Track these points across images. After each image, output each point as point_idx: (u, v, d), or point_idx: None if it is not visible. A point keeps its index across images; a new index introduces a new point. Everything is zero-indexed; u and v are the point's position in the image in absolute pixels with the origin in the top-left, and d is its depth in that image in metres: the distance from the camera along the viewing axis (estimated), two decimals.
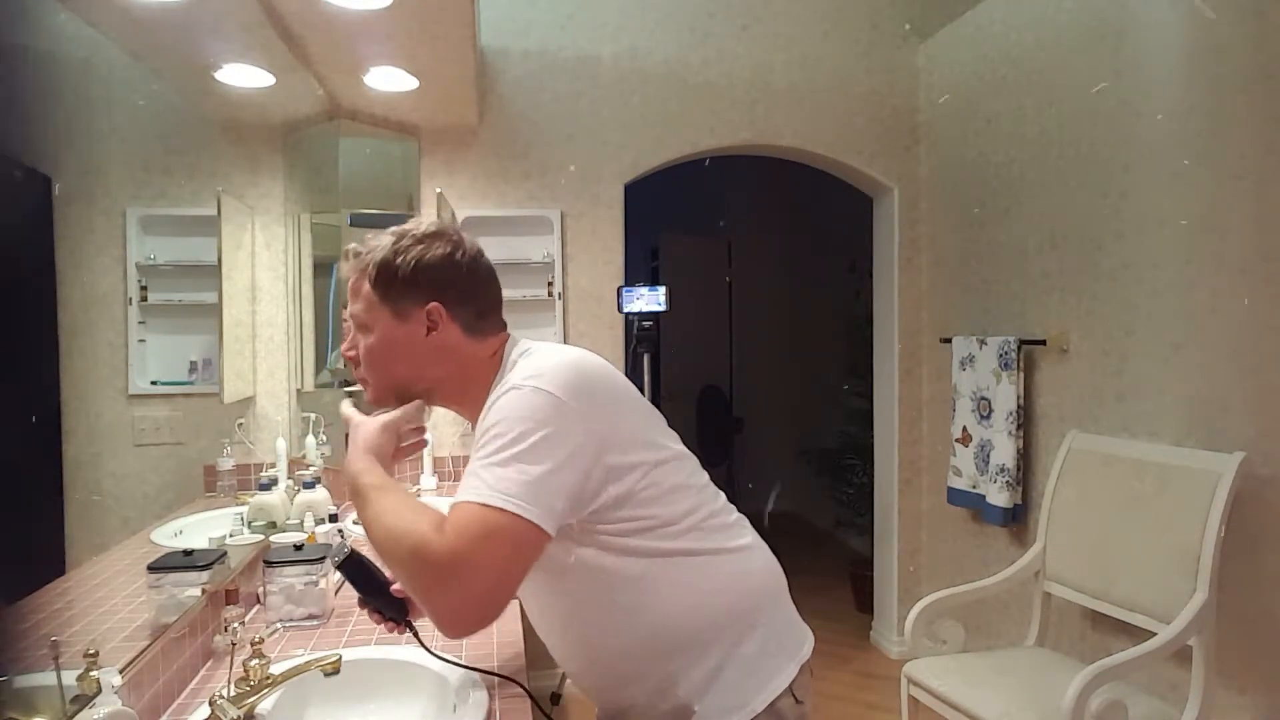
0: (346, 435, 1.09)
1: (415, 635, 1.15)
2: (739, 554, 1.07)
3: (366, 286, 1.04)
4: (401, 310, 1.03)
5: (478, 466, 0.91)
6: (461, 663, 1.22)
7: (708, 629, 1.01)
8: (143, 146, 1.32)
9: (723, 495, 1.13)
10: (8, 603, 0.89)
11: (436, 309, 1.03)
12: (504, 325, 1.11)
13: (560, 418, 0.92)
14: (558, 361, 0.98)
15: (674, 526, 1.00)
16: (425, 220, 1.09)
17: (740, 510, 1.13)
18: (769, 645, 1.04)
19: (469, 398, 1.06)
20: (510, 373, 1.00)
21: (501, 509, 0.86)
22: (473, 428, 1.08)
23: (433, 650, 1.19)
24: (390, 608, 1.14)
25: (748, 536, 1.11)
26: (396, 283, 1.03)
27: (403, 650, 1.30)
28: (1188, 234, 2.07)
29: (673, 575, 1.00)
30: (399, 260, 1.03)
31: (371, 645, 1.37)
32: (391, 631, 1.17)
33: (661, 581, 1.00)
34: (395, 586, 1.14)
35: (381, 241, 1.05)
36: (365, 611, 1.16)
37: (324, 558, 1.51)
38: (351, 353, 1.07)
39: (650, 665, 1.01)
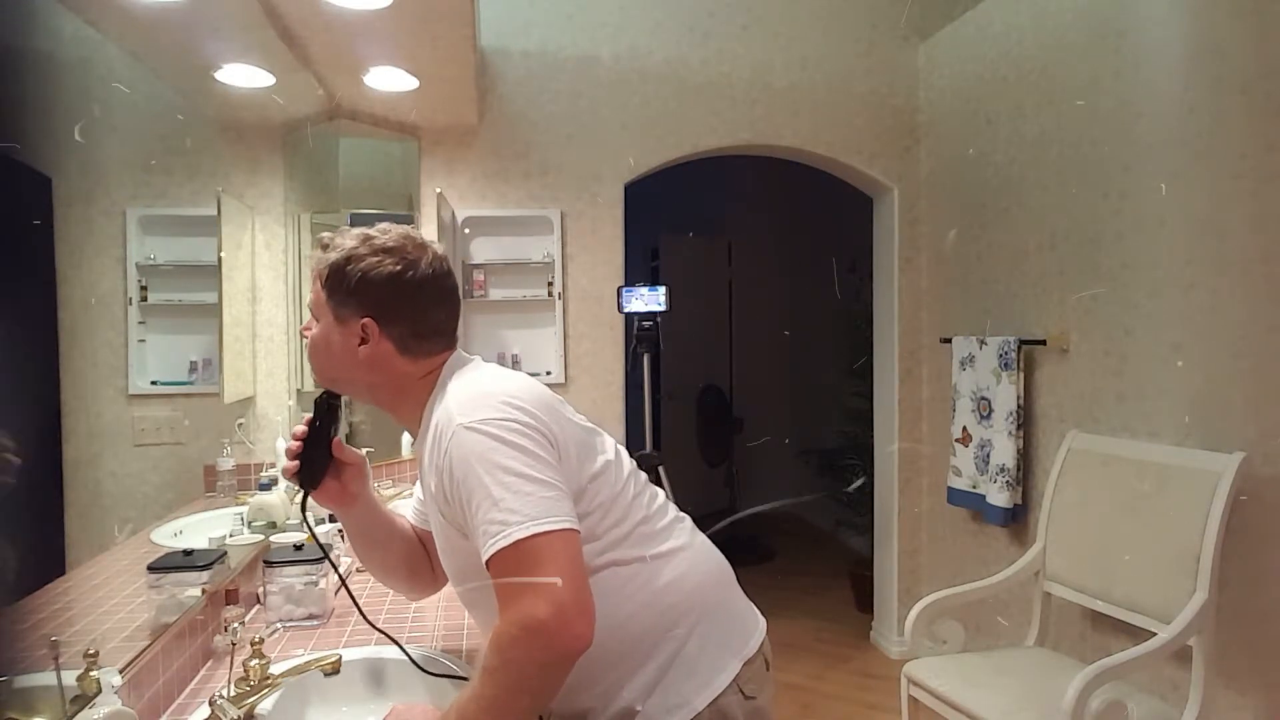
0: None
1: (303, 509, 1.12)
2: (672, 557, 1.07)
3: (319, 283, 1.06)
4: (341, 316, 1.05)
5: (480, 519, 0.90)
6: (457, 669, 1.22)
7: (648, 634, 1.02)
8: (143, 146, 1.32)
9: (660, 495, 1.13)
10: (8, 603, 0.89)
11: (370, 325, 1.04)
12: (449, 346, 1.10)
13: (521, 436, 0.93)
14: (492, 390, 0.98)
15: (600, 541, 1.01)
16: (393, 230, 1.08)
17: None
18: (709, 644, 1.05)
19: (401, 410, 1.10)
20: (443, 402, 1.00)
21: (533, 535, 0.88)
22: (412, 440, 1.09)
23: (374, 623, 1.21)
24: (312, 467, 1.10)
25: (683, 537, 1.11)
26: (340, 290, 1.04)
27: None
28: (1188, 234, 2.07)
29: (607, 587, 1.01)
30: (349, 268, 1.04)
31: (371, 645, 1.36)
32: (291, 481, 1.11)
33: (596, 594, 0.99)
34: (338, 439, 1.11)
35: (345, 243, 1.06)
36: (290, 460, 1.11)
37: (324, 557, 1.51)
38: (308, 333, 1.09)
39: (595, 674, 1.01)
